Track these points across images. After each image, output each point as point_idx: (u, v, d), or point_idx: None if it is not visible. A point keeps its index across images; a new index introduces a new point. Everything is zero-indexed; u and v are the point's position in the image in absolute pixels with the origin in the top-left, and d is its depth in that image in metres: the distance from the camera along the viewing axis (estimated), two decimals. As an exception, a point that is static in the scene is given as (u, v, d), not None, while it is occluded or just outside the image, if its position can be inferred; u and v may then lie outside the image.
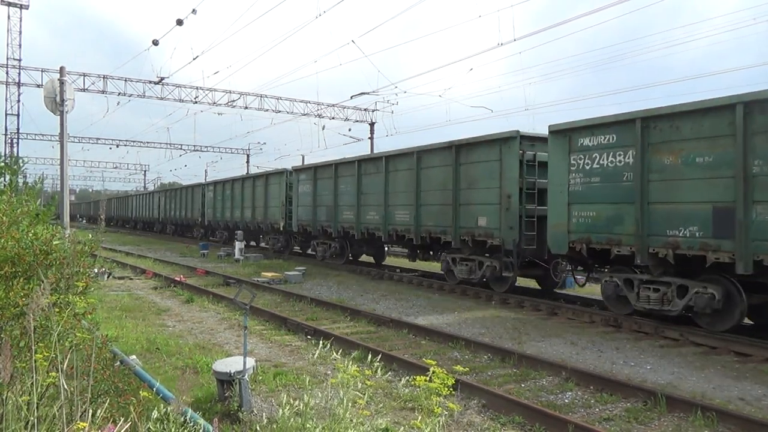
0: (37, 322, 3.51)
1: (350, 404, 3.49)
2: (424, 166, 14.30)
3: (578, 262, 11.02)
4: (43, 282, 3.39)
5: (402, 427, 4.72)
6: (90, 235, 4.82)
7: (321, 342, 7.07)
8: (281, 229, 22.31)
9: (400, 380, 6.30)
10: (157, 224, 42.49)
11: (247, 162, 53.64)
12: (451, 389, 3.21)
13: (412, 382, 3.42)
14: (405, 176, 15.07)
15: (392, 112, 33.91)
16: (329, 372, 6.58)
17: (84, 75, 28.72)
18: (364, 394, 3.70)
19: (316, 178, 19.51)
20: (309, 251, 22.85)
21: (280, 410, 3.87)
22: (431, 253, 15.66)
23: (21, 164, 5.58)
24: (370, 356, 5.42)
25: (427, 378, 3.23)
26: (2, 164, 5.32)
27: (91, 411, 2.82)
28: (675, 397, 5.77)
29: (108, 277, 15.65)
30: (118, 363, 5.14)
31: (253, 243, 28.74)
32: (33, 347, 2.89)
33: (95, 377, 3.56)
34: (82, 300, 3.87)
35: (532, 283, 14.22)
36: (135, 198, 50.76)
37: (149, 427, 3.18)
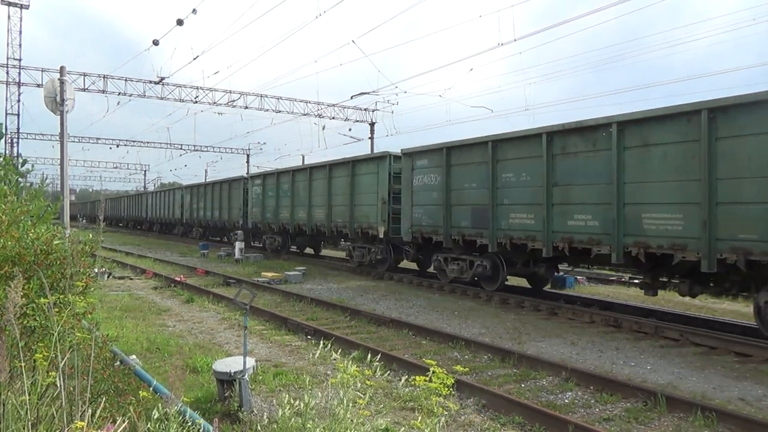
0: (37, 322, 3.52)
1: (351, 404, 3.49)
2: None
3: None
4: (43, 282, 3.39)
5: (402, 428, 4.72)
6: (90, 235, 4.82)
7: (322, 342, 7.07)
8: (380, 236, 15.95)
9: (400, 380, 6.30)
10: (179, 227, 37.10)
11: (247, 162, 53.71)
12: (451, 389, 3.20)
13: (412, 382, 3.41)
14: (672, 153, 8.78)
15: (392, 112, 33.98)
16: (329, 372, 6.58)
17: (84, 75, 28.73)
18: (365, 395, 3.70)
19: (450, 164, 13.20)
20: (406, 265, 17.50)
21: (281, 410, 3.87)
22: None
23: (29, 168, 5.60)
24: (369, 356, 5.42)
25: (427, 378, 3.23)
26: (7, 165, 5.33)
27: (90, 411, 2.82)
28: (675, 398, 5.77)
29: (108, 277, 15.66)
30: (118, 363, 5.14)
31: (309, 251, 23.69)
32: (19, 345, 2.90)
33: (95, 377, 3.56)
34: (82, 300, 3.86)
35: None
36: (151, 196, 43.63)
37: (149, 427, 3.18)
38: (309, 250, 24.11)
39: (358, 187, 17.09)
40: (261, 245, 25.76)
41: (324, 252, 24.90)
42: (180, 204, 35.68)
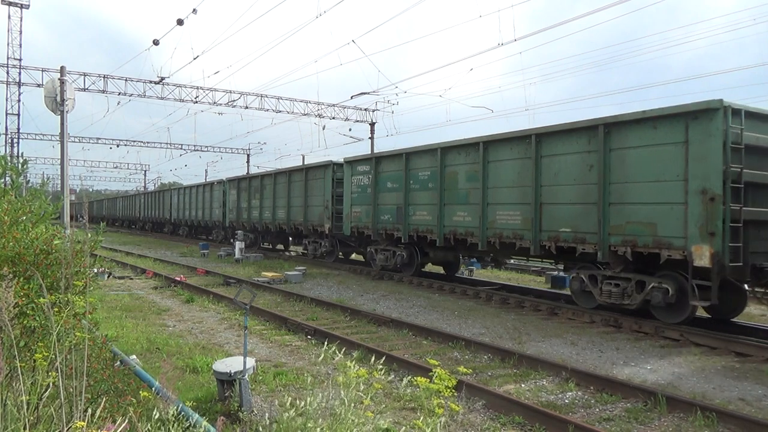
0: (37, 322, 3.52)
1: (353, 404, 3.48)
2: None
3: None
4: (40, 282, 3.39)
5: (403, 428, 4.72)
6: (89, 235, 4.82)
7: (325, 344, 7.06)
8: (701, 263, 8.25)
9: (401, 380, 6.29)
10: (220, 230, 30.14)
11: (248, 162, 53.73)
12: (452, 390, 3.20)
13: (414, 383, 3.41)
14: None
15: (392, 112, 34.03)
16: (329, 372, 6.58)
17: (84, 75, 28.72)
18: (368, 395, 3.69)
19: None
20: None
21: (284, 412, 3.86)
22: None
23: (25, 166, 5.59)
24: (373, 357, 5.41)
25: (429, 380, 3.23)
26: (5, 164, 5.32)
27: (90, 411, 2.81)
28: (675, 398, 5.76)
29: (108, 276, 15.66)
30: (118, 363, 5.14)
31: (514, 269, 16.86)
32: (16, 345, 2.90)
33: (95, 377, 3.56)
34: (82, 300, 3.86)
35: None
36: (176, 193, 36.99)
37: (149, 427, 3.17)
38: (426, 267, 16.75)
39: (614, 172, 9.67)
40: (343, 257, 20.48)
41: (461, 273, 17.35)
42: (221, 202, 28.64)
